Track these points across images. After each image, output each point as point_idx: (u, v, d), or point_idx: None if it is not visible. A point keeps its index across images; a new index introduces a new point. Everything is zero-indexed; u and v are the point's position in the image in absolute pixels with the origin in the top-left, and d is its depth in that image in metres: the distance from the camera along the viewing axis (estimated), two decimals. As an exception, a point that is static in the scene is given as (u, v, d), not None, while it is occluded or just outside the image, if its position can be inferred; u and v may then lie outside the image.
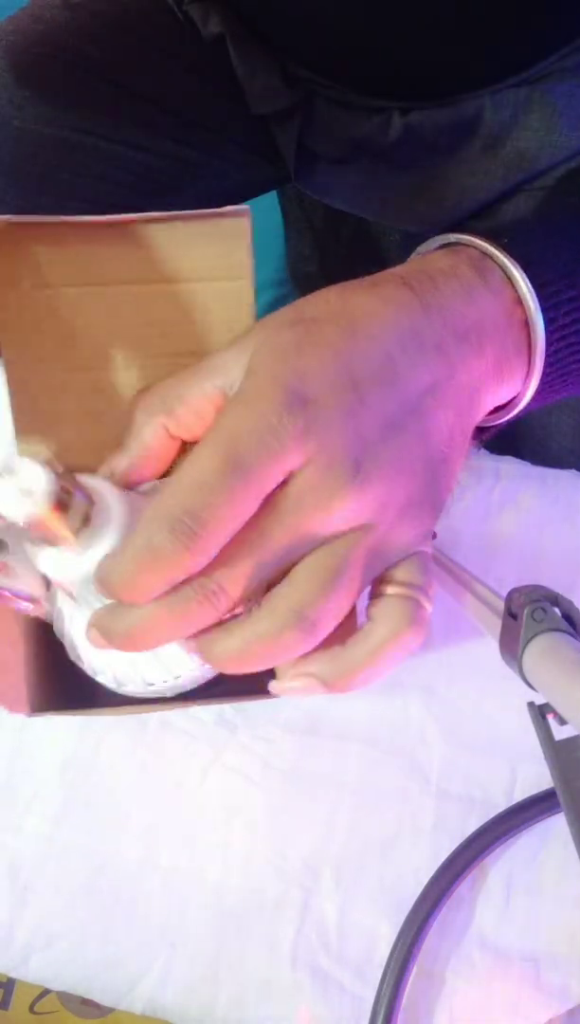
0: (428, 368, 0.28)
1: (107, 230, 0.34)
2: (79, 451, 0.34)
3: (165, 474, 0.32)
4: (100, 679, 0.35)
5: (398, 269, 0.30)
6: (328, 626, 0.28)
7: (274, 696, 0.30)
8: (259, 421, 0.25)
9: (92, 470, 0.33)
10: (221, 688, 0.44)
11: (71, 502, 0.26)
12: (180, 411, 0.29)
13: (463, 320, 0.29)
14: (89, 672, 0.35)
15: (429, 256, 0.31)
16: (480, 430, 0.33)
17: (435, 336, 0.28)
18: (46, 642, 0.37)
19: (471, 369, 0.29)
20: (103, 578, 0.26)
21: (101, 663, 0.34)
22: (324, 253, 0.86)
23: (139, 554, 0.25)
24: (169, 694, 0.36)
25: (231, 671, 0.28)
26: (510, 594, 0.30)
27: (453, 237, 0.31)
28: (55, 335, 0.35)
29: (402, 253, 0.81)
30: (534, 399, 0.32)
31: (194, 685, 0.36)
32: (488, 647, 0.31)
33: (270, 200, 0.82)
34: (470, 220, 0.56)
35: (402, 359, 0.28)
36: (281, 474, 0.26)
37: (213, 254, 0.34)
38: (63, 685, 0.39)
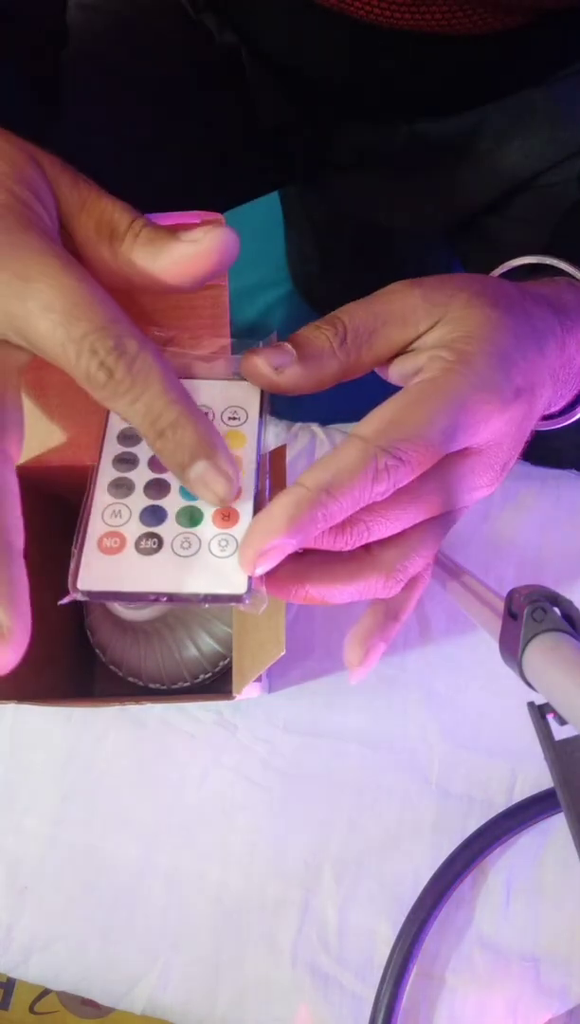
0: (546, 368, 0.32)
1: None
2: (59, 448, 0.35)
3: None
4: None
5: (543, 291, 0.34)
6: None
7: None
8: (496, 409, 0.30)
9: (78, 467, 0.33)
10: (218, 688, 0.44)
11: None
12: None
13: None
14: None
15: (557, 286, 0.35)
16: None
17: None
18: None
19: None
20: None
21: None
22: (326, 252, 0.86)
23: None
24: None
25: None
26: (510, 594, 0.30)
27: (551, 260, 0.36)
28: None
29: (405, 252, 0.81)
30: None
31: None
32: (488, 647, 0.31)
33: (271, 199, 0.82)
34: (481, 216, 0.56)
35: (529, 346, 0.32)
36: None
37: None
38: (25, 676, 0.39)
